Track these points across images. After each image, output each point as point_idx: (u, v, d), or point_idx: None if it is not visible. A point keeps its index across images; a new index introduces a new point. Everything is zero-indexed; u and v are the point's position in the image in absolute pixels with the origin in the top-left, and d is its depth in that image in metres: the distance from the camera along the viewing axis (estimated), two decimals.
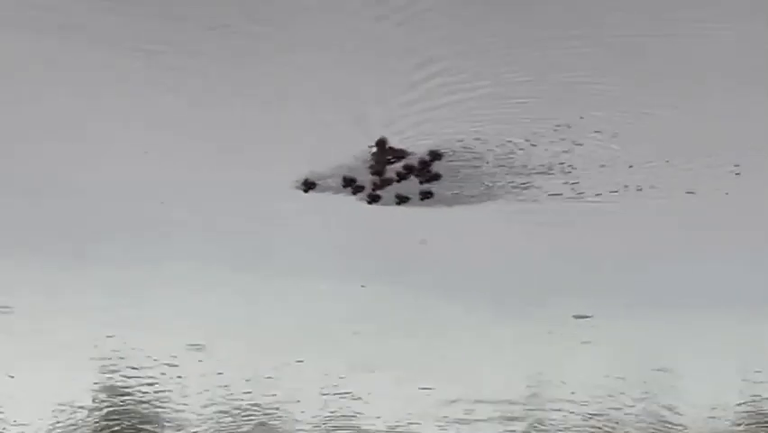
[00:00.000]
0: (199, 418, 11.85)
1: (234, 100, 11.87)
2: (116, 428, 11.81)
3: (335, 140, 11.85)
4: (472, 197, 11.90)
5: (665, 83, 11.82)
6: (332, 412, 11.90)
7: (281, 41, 11.90)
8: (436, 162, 11.88)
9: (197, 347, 11.86)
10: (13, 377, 11.72)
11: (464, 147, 11.88)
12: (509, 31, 11.92)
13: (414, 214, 11.97)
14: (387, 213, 11.98)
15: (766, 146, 11.81)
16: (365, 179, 11.92)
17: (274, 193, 11.90)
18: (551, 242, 11.89)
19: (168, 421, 11.84)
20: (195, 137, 11.85)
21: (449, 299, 11.87)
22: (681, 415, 11.94)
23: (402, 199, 11.91)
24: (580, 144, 11.89)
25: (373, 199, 11.90)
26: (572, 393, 11.93)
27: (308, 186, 11.85)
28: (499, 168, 11.91)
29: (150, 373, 11.87)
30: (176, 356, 11.84)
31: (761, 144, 11.79)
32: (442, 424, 11.89)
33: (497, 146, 11.89)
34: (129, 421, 11.83)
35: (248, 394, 11.89)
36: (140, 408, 11.84)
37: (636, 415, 11.96)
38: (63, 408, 11.75)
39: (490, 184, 11.90)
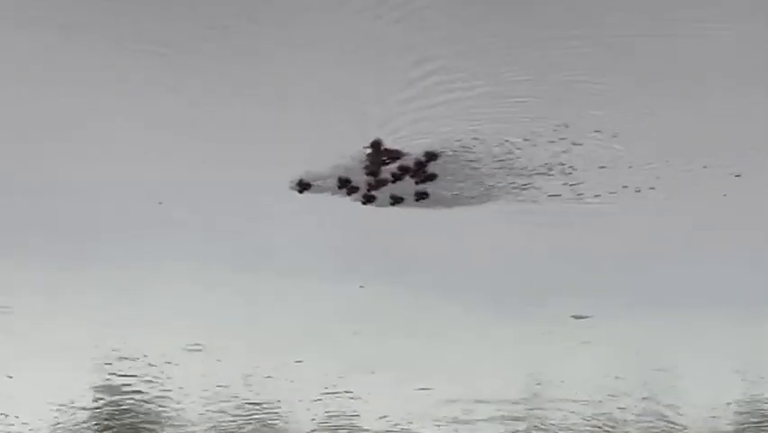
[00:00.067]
0: (199, 417, 11.87)
1: (234, 100, 11.86)
2: (116, 428, 11.83)
3: (335, 140, 11.84)
4: (472, 197, 11.90)
5: (665, 83, 11.80)
6: (332, 412, 11.92)
7: (281, 40, 11.88)
8: (432, 163, 11.88)
9: (197, 347, 11.88)
10: (11, 377, 11.74)
11: (463, 147, 11.87)
12: (509, 30, 11.89)
13: (414, 214, 11.97)
14: (387, 214, 11.97)
15: (766, 146, 11.78)
16: (360, 179, 11.94)
17: (274, 193, 11.90)
18: (551, 242, 11.88)
19: (168, 421, 11.85)
20: (195, 137, 11.85)
21: (449, 300, 11.88)
22: (681, 415, 11.96)
23: (397, 200, 11.91)
24: (580, 144, 11.88)
25: (368, 200, 11.91)
26: (572, 393, 11.94)
27: (303, 186, 11.86)
28: (499, 168, 11.89)
29: (149, 373, 11.88)
30: (176, 356, 11.86)
31: (761, 144, 11.77)
32: (441, 424, 11.90)
33: (495, 146, 11.88)
34: (129, 421, 11.85)
35: (248, 394, 11.91)
36: (140, 407, 11.86)
37: (636, 415, 11.97)
38: (63, 408, 11.77)
39: (490, 185, 11.89)
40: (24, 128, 11.75)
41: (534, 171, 11.89)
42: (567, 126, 11.83)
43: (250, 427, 11.76)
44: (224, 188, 11.80)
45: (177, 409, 11.76)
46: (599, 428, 11.86)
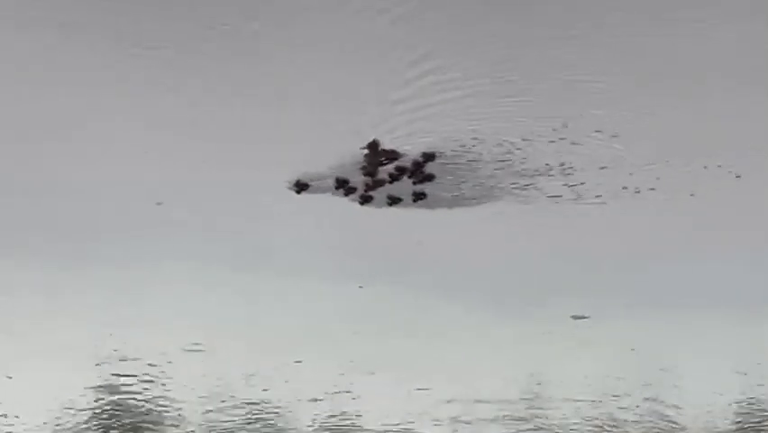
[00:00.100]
0: (199, 417, 11.87)
1: (234, 100, 11.86)
2: (116, 428, 11.83)
3: (334, 140, 11.85)
4: (472, 198, 11.90)
5: (665, 83, 11.80)
6: (331, 412, 11.92)
7: (281, 40, 11.88)
8: (431, 163, 11.88)
9: (197, 347, 11.88)
10: (11, 378, 11.74)
11: (463, 147, 11.87)
12: (509, 30, 11.89)
13: (414, 215, 11.97)
14: (388, 214, 11.98)
15: (766, 146, 11.79)
16: (358, 180, 11.95)
17: (274, 193, 11.90)
18: (551, 242, 11.88)
19: (167, 421, 11.85)
20: (195, 137, 11.85)
21: (449, 300, 11.88)
22: (680, 415, 11.95)
23: (394, 200, 11.93)
24: (580, 144, 11.88)
25: (365, 200, 11.93)
26: (572, 393, 11.94)
27: (301, 187, 11.87)
28: (499, 169, 11.90)
29: (149, 373, 11.88)
30: (176, 356, 11.86)
31: (761, 145, 11.77)
32: (441, 424, 11.90)
33: (495, 146, 11.88)
34: (129, 421, 11.85)
35: (248, 394, 11.91)
36: (140, 407, 11.86)
37: (636, 415, 11.97)
38: (63, 408, 11.77)
39: (491, 185, 11.89)
40: (24, 128, 11.75)
41: (535, 172, 11.89)
42: (567, 126, 11.83)
43: (249, 427, 11.76)
44: (224, 188, 11.80)
45: (177, 409, 11.76)
46: (600, 427, 11.86)
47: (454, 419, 11.81)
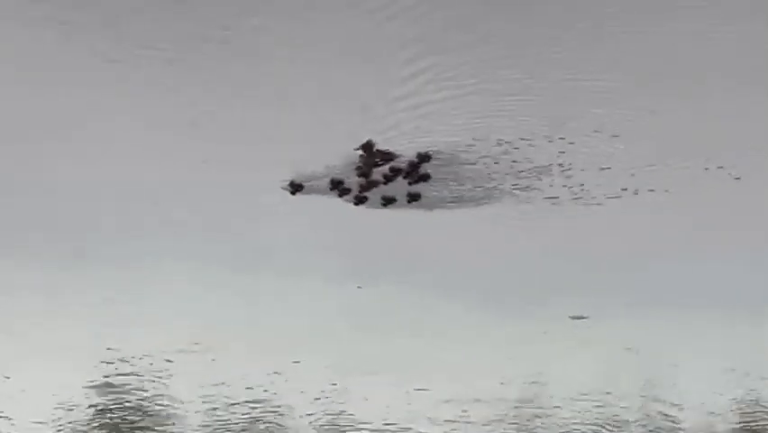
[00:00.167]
0: (199, 417, 11.87)
1: (234, 100, 11.88)
2: (116, 427, 11.83)
3: (334, 140, 11.87)
4: (473, 199, 11.91)
5: (666, 83, 11.82)
6: (331, 412, 11.92)
7: (281, 40, 11.90)
8: (429, 164, 11.89)
9: (197, 347, 11.89)
10: (9, 378, 11.75)
11: (463, 147, 11.89)
12: (509, 29, 11.91)
13: (414, 216, 11.98)
14: (386, 215, 11.99)
15: (766, 146, 11.80)
16: (353, 180, 11.98)
17: (274, 193, 11.91)
18: (551, 242, 11.89)
19: (167, 420, 11.86)
20: (195, 137, 11.87)
21: (449, 299, 11.88)
22: (680, 413, 11.95)
23: (388, 201, 11.95)
24: (580, 144, 11.89)
25: (360, 201, 11.96)
26: (572, 393, 11.94)
27: (295, 188, 11.88)
28: (499, 169, 11.91)
29: (149, 373, 11.89)
30: (176, 356, 11.87)
31: (761, 145, 11.78)
32: (441, 423, 11.90)
33: (495, 146, 11.90)
34: (129, 420, 11.85)
35: (247, 394, 11.91)
36: (139, 407, 11.87)
37: (636, 414, 11.97)
38: (63, 407, 11.77)
39: (491, 186, 11.90)
40: (24, 128, 11.77)
41: (535, 172, 11.90)
42: (567, 126, 11.84)
43: (249, 426, 11.76)
44: (223, 188, 11.81)
45: (176, 408, 11.76)
46: (600, 427, 11.86)
47: (454, 418, 11.81)
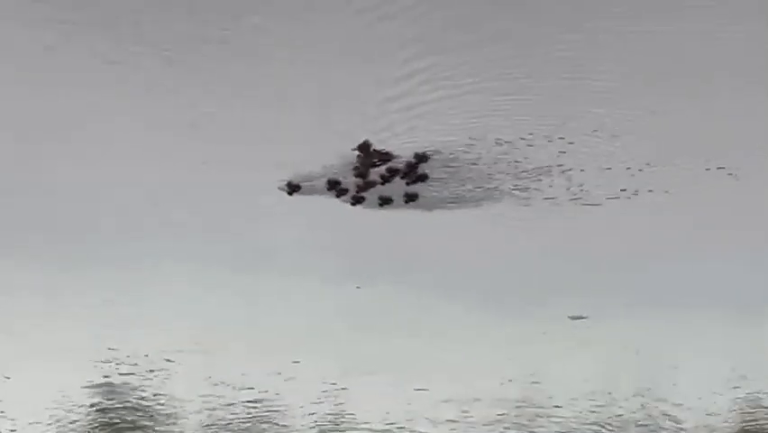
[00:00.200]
0: (198, 417, 11.88)
1: (234, 101, 11.87)
2: (116, 427, 11.84)
3: (334, 140, 11.86)
4: (473, 199, 11.91)
5: (671, 82, 11.83)
6: (331, 412, 11.93)
7: (281, 40, 11.90)
8: (427, 164, 11.89)
9: (197, 347, 11.89)
10: (9, 378, 11.75)
11: (462, 148, 11.89)
12: (512, 29, 11.91)
13: (414, 216, 11.98)
14: (386, 215, 11.99)
15: (766, 146, 11.80)
16: (350, 181, 11.98)
17: (274, 194, 11.91)
18: (551, 242, 11.89)
19: (167, 420, 11.86)
20: (194, 138, 11.86)
21: (449, 299, 11.88)
22: (680, 413, 11.95)
23: (385, 201, 11.96)
24: (580, 144, 11.89)
25: (357, 201, 11.96)
26: (572, 393, 11.94)
27: (293, 188, 11.88)
28: (500, 169, 11.90)
29: (149, 373, 11.89)
30: (176, 356, 11.87)
31: (762, 145, 11.78)
32: (440, 423, 11.91)
33: (495, 146, 11.90)
34: (129, 420, 11.86)
35: (247, 394, 11.92)
36: (139, 407, 11.87)
37: (636, 414, 11.97)
38: (63, 407, 11.78)
39: (491, 186, 11.90)
40: (24, 128, 11.77)
41: (535, 173, 11.90)
42: (567, 126, 11.84)
43: (249, 426, 11.76)
44: (223, 189, 11.81)
45: (176, 408, 11.76)
46: (600, 426, 11.87)
47: (454, 418, 11.82)
